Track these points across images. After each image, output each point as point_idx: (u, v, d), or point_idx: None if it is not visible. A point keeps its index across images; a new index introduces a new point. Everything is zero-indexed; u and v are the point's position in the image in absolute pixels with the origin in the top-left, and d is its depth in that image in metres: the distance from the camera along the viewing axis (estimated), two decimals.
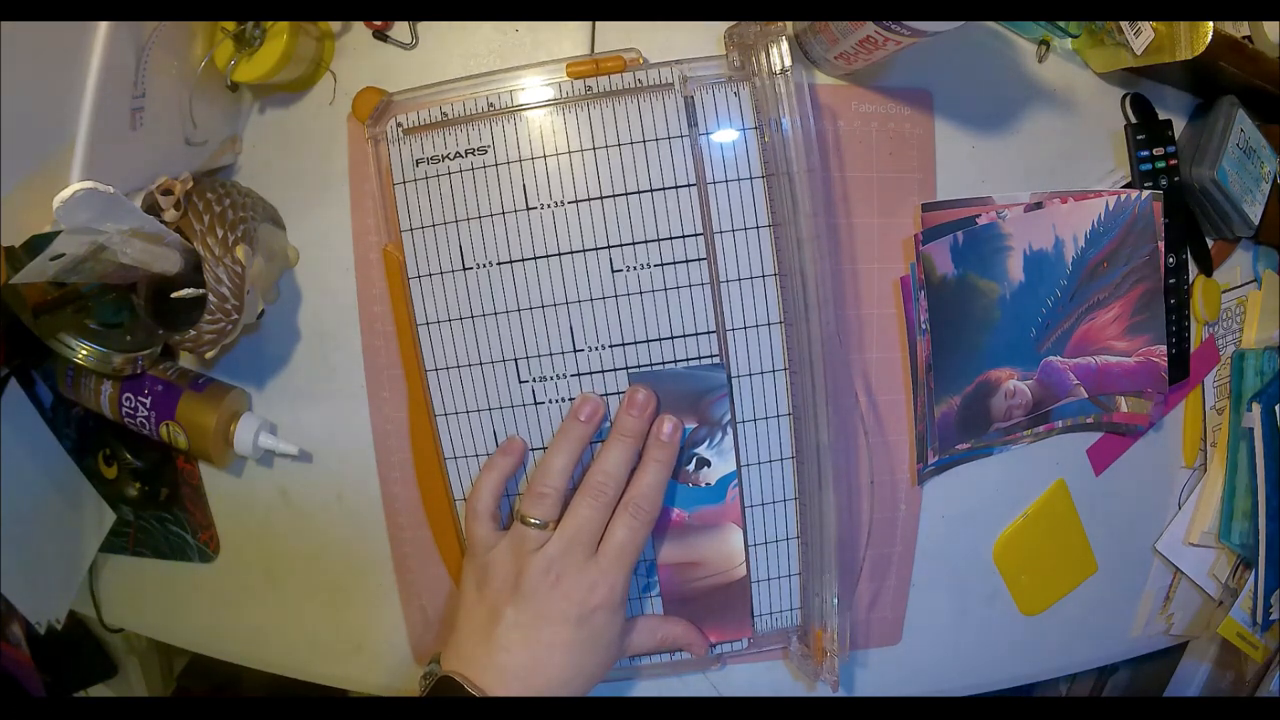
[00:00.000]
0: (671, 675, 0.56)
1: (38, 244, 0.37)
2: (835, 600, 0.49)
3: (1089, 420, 0.57)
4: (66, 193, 0.34)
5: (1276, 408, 0.59)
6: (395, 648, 0.56)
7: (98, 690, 0.71)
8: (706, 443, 0.49)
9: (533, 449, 0.50)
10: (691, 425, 0.49)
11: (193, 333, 0.45)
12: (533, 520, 0.45)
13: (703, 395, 0.49)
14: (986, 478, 0.57)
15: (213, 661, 0.60)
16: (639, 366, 0.48)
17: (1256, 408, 0.59)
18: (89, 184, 0.35)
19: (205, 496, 0.57)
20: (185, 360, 0.55)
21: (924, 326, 0.53)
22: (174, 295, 0.45)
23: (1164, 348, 0.56)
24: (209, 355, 0.48)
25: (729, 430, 0.49)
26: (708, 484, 0.50)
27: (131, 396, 0.52)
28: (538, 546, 0.45)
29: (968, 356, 0.54)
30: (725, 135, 0.47)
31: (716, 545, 0.51)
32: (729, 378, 0.49)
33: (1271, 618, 0.61)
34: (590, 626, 0.45)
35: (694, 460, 0.50)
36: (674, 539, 0.51)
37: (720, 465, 0.50)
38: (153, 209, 0.43)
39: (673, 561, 0.51)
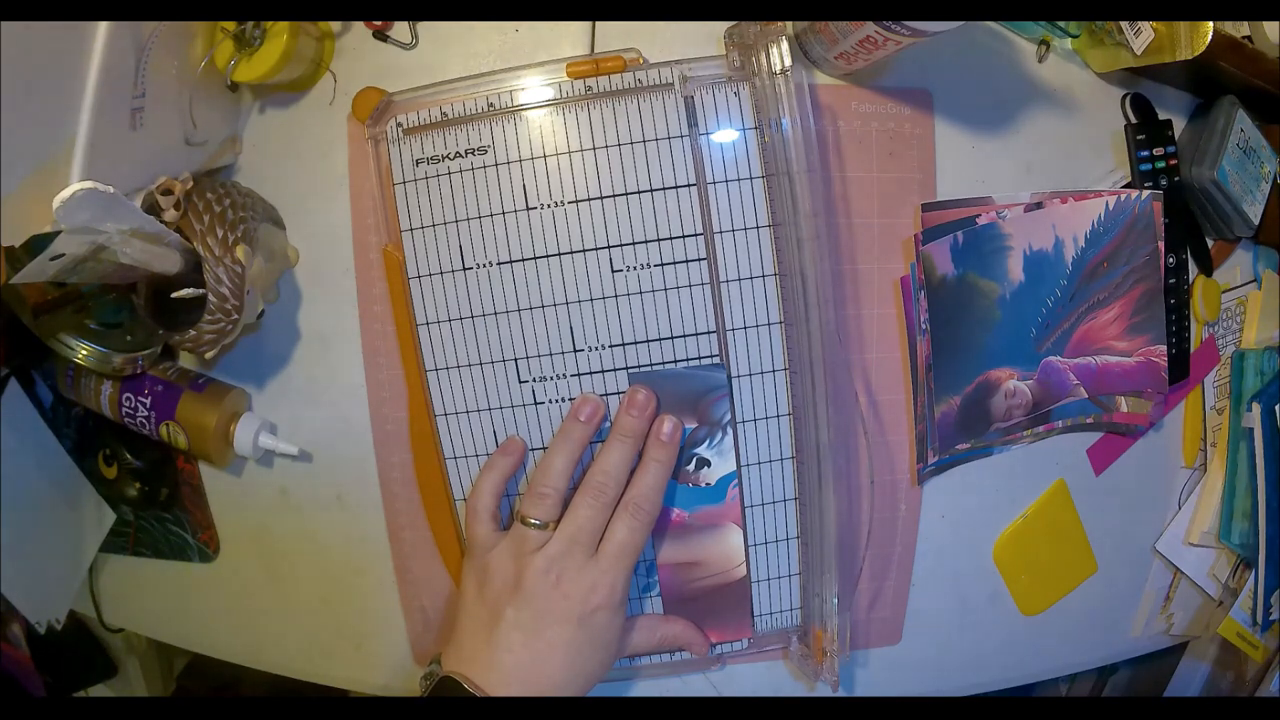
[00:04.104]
0: (671, 675, 0.56)
1: (38, 244, 0.37)
2: (835, 600, 0.49)
3: (1089, 420, 0.57)
4: (66, 193, 0.34)
5: (1276, 408, 0.59)
6: (395, 648, 0.56)
7: (98, 690, 0.71)
8: (706, 443, 0.49)
9: (533, 449, 0.50)
10: (691, 425, 0.49)
11: (193, 333, 0.45)
12: (533, 521, 0.45)
13: (703, 395, 0.49)
14: (986, 478, 0.57)
15: (213, 661, 0.60)
16: (639, 366, 0.48)
17: (1256, 408, 0.59)
18: (89, 184, 0.35)
19: (205, 496, 0.57)
20: (185, 360, 0.55)
21: (924, 326, 0.53)
22: (174, 295, 0.45)
23: (1164, 348, 0.56)
24: (209, 355, 0.48)
25: (729, 430, 0.49)
26: (708, 484, 0.50)
27: (131, 396, 0.52)
28: (538, 547, 0.45)
29: (968, 356, 0.54)
30: (725, 135, 0.47)
31: (716, 545, 0.51)
32: (729, 378, 0.48)
33: (1271, 618, 0.61)
34: (590, 626, 0.45)
35: (694, 460, 0.50)
36: (674, 539, 0.51)
37: (720, 465, 0.50)
38: (153, 209, 0.43)
39: (673, 561, 0.51)
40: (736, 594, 0.52)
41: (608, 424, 0.48)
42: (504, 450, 0.49)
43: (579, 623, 0.45)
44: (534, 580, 0.44)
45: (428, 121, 0.47)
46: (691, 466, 0.50)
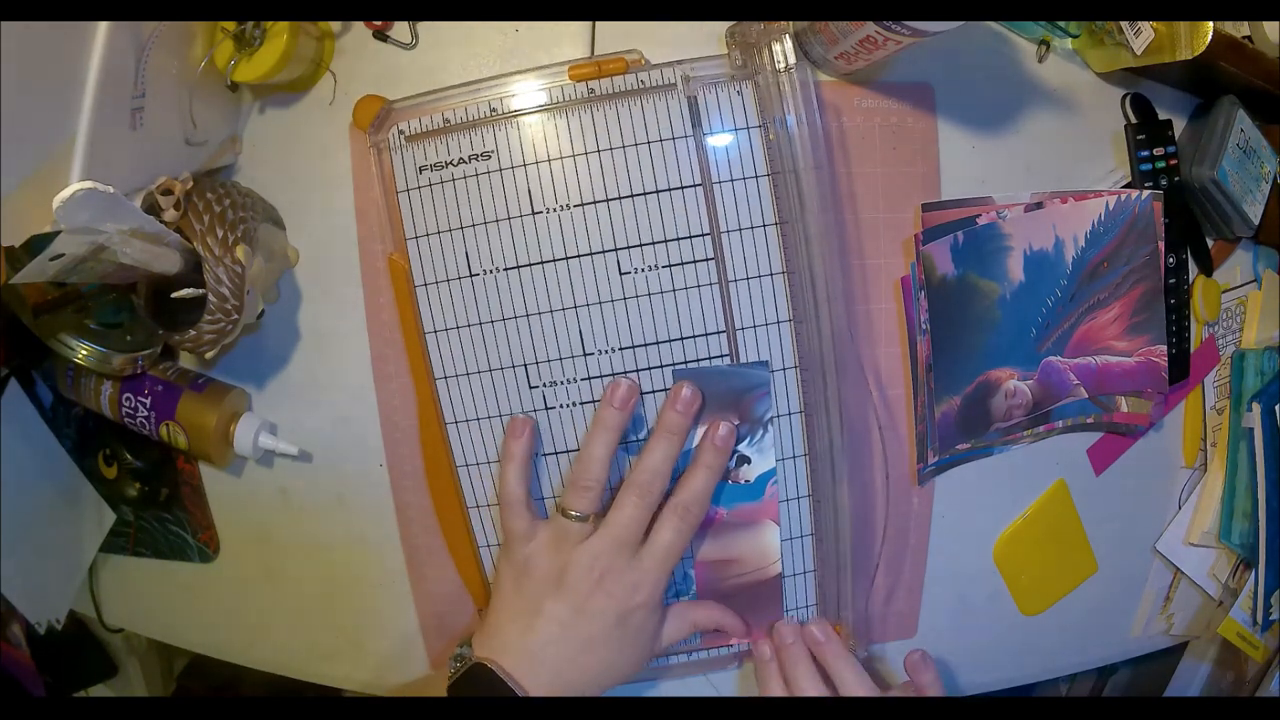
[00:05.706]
0: (673, 677, 0.56)
1: (38, 244, 0.37)
2: (851, 595, 0.49)
3: (1089, 420, 0.57)
4: (66, 193, 0.34)
5: (1276, 408, 0.59)
6: (395, 647, 0.56)
7: (98, 690, 0.71)
8: (748, 440, 0.49)
9: (547, 454, 0.50)
10: (734, 423, 0.49)
11: (193, 333, 0.45)
12: (574, 514, 0.45)
13: (744, 393, 0.48)
14: (986, 478, 0.57)
15: (213, 661, 0.60)
16: (649, 368, 0.48)
17: (1256, 408, 0.59)
18: (89, 184, 0.35)
19: (205, 496, 0.57)
20: (185, 360, 0.55)
21: (924, 327, 0.53)
22: (174, 295, 0.45)
23: (1164, 348, 0.56)
24: (209, 355, 0.48)
25: (769, 428, 0.49)
26: (747, 481, 0.50)
27: (131, 396, 0.52)
28: (580, 540, 0.45)
29: (968, 356, 0.54)
30: (729, 134, 0.47)
31: (753, 542, 0.51)
32: None
33: (1271, 618, 0.61)
34: (629, 624, 0.45)
35: (734, 457, 0.49)
36: (713, 537, 0.51)
37: (760, 463, 0.50)
38: (153, 209, 0.43)
39: (710, 559, 0.51)
40: (770, 590, 0.52)
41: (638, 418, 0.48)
42: (513, 434, 0.48)
43: (618, 620, 0.45)
44: (577, 576, 0.45)
45: (430, 128, 0.47)
46: (733, 464, 0.49)
